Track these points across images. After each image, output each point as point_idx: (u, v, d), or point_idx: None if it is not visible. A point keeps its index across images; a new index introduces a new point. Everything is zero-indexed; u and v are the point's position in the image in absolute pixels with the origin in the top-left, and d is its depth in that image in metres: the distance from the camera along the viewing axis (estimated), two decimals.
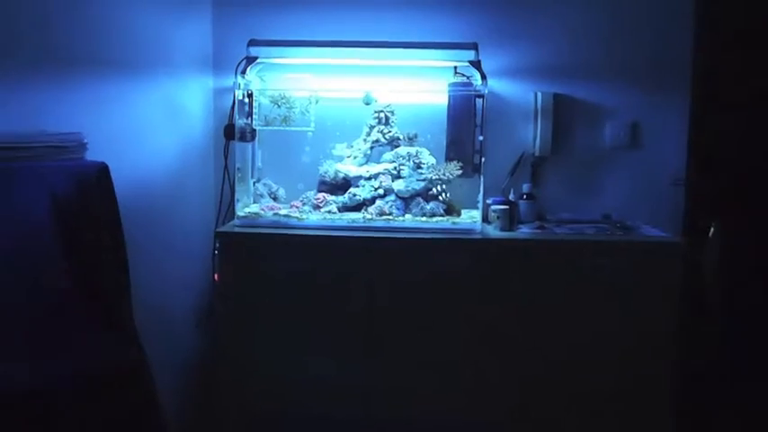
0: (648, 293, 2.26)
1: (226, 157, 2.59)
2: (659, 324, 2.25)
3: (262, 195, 2.56)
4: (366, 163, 2.55)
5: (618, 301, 2.27)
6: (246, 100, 2.41)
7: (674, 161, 2.61)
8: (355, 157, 2.55)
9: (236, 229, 2.30)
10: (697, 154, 2.51)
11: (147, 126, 2.23)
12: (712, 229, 2.39)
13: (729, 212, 2.42)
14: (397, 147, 2.55)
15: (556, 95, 2.64)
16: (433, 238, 2.25)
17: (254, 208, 2.46)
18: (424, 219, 2.37)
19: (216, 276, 2.29)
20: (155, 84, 2.27)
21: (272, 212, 2.39)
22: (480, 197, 2.40)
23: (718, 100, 2.45)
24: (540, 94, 2.65)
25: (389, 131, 2.53)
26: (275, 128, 2.41)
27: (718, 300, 2.41)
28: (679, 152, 2.58)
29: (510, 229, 2.39)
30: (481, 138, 2.38)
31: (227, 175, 2.60)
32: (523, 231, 2.40)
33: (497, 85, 2.66)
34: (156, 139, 2.29)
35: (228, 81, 2.54)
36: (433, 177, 2.42)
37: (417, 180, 2.45)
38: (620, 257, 2.28)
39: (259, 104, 2.44)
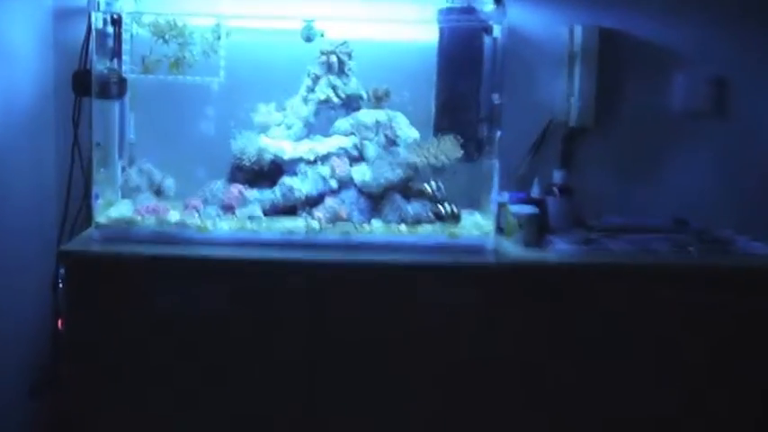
0: (760, 346, 2.22)
1: (75, 125, 2.49)
2: None
3: (137, 189, 2.40)
4: (308, 136, 2.44)
5: (714, 356, 2.23)
6: (111, 30, 2.31)
7: None
8: (290, 127, 2.44)
9: (94, 247, 2.18)
10: None
11: None
12: None
13: None
14: (356, 110, 2.44)
15: (602, 31, 2.59)
16: (416, 262, 2.16)
17: (123, 209, 2.34)
18: (402, 228, 2.25)
19: (60, 322, 2.24)
20: None
21: (153, 217, 2.25)
22: (494, 194, 2.29)
23: None
24: (578, 30, 2.59)
25: (345, 85, 2.42)
26: (159, 77, 2.33)
27: None
28: None
29: (538, 245, 2.29)
30: (497, 97, 2.27)
31: (77, 155, 2.51)
32: (560, 248, 2.29)
33: (513, 15, 2.52)
34: None
35: None
36: (418, 161, 2.28)
37: (391, 164, 2.31)
38: (713, 291, 2.20)
39: (132, 37, 2.36)
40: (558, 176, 2.51)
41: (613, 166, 2.70)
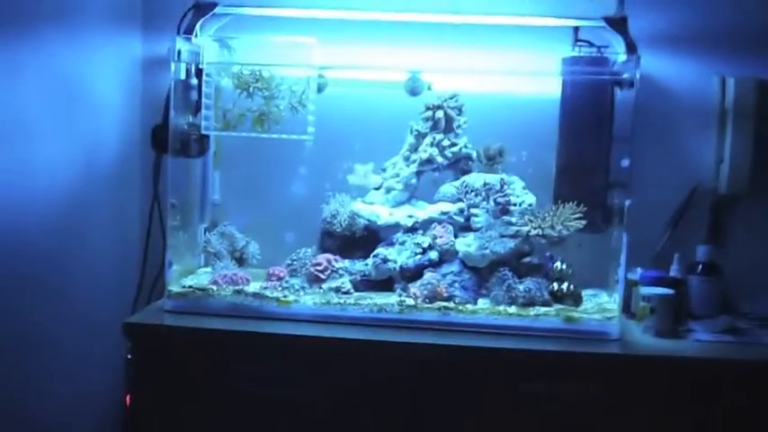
0: None
1: (155, 184, 2.54)
2: None
3: (217, 255, 2.44)
4: (408, 201, 2.44)
5: None
6: (193, 81, 2.34)
7: None
8: (389, 191, 2.45)
9: (165, 319, 2.20)
10: None
11: (22, 122, 2.17)
12: None
13: None
14: (465, 173, 2.44)
15: (760, 84, 2.50)
16: (526, 350, 2.10)
17: (200, 278, 2.38)
18: (511, 310, 2.21)
19: (128, 399, 2.21)
20: (39, 50, 2.22)
21: (232, 288, 2.27)
22: (621, 271, 2.21)
23: None
24: (731, 82, 2.51)
25: (453, 144, 2.42)
26: (243, 134, 2.34)
27: None
28: None
29: (676, 335, 2.22)
30: (627, 161, 2.22)
31: (155, 216, 2.56)
32: (701, 338, 2.23)
33: (651, 65, 2.49)
34: (36, 146, 2.23)
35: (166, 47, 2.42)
36: (533, 232, 2.27)
37: (502, 236, 2.29)
38: None
39: (215, 90, 2.38)
40: (703, 252, 2.44)
41: None
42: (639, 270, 2.34)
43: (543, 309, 2.21)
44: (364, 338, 2.10)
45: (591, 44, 2.38)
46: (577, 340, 2.13)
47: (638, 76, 2.19)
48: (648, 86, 2.48)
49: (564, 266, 2.30)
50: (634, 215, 2.23)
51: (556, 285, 2.27)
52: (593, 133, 2.35)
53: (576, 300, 2.26)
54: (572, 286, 2.27)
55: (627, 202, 2.18)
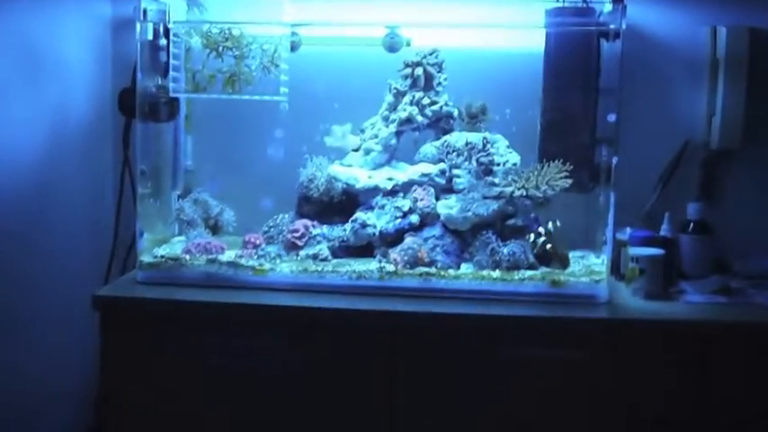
0: None
1: (125, 151, 2.55)
2: None
3: (191, 223, 2.43)
4: (388, 164, 2.44)
5: None
6: (161, 42, 2.32)
7: None
8: (368, 152, 2.44)
9: (137, 291, 2.19)
10: None
11: None
12: None
13: None
14: (447, 132, 2.43)
15: (754, 33, 2.48)
16: (511, 316, 2.10)
17: (174, 247, 2.39)
18: (495, 274, 2.20)
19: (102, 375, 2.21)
20: (1, 10, 2.21)
21: (206, 257, 2.25)
22: (609, 231, 2.20)
23: None
24: (722, 31, 2.51)
25: (434, 102, 2.40)
26: (213, 96, 2.35)
27: None
28: None
29: (666, 296, 2.22)
30: (613, 116, 2.20)
31: (126, 184, 2.59)
32: (692, 300, 2.23)
33: (637, 14, 2.48)
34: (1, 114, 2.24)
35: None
36: (517, 192, 2.25)
37: (485, 197, 2.28)
38: None
39: (184, 50, 2.38)
40: (694, 210, 2.44)
41: (764, 197, 2.57)
42: (628, 230, 2.34)
43: (528, 272, 2.20)
44: (343, 307, 2.10)
45: None
46: (564, 304, 2.13)
47: (623, 27, 2.17)
48: (636, 38, 2.48)
49: (551, 227, 2.27)
50: (622, 173, 2.23)
51: (540, 247, 2.26)
52: (578, 88, 2.33)
53: (563, 262, 2.25)
54: (559, 248, 2.25)
55: (614, 160, 2.18)
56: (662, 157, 2.55)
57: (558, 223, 2.28)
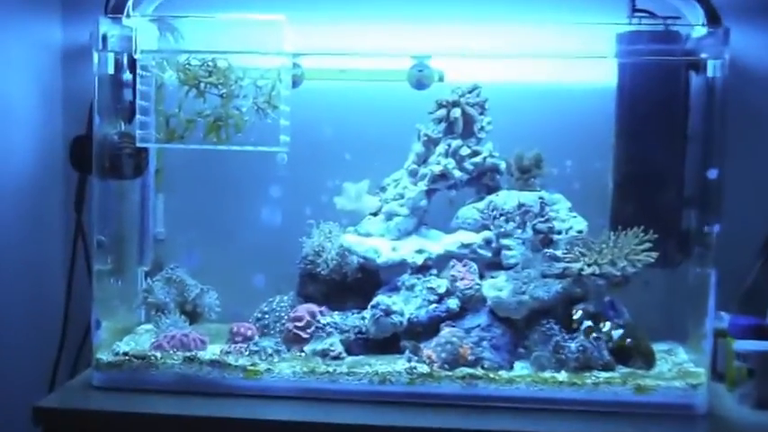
0: None
1: (79, 215, 2.41)
2: None
3: (162, 308, 2.29)
4: (416, 231, 2.29)
5: None
6: (126, 76, 2.19)
7: None
8: (391, 217, 2.31)
9: (92, 400, 2.01)
10: None
11: None
12: None
13: None
14: (492, 190, 2.30)
15: None
16: None
17: (140, 340, 2.24)
18: (561, 377, 2.03)
19: None
20: None
21: (182, 354, 2.11)
22: (709, 322, 2.02)
23: None
24: None
25: (475, 153, 2.27)
26: (193, 146, 2.21)
27: None
28: None
29: None
30: (714, 172, 2.04)
31: (80, 257, 2.43)
32: None
33: (739, 42, 2.23)
34: None
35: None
36: (587, 270, 2.09)
37: (545, 276, 2.14)
38: None
39: (155, 87, 2.24)
40: None
41: None
42: (726, 315, 2.13)
43: (604, 374, 1.99)
44: (362, 423, 1.89)
45: (652, 14, 2.17)
46: (652, 417, 1.91)
47: (726, 57, 1.99)
48: (737, 72, 2.23)
49: (626, 313, 2.09)
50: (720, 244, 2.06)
51: (618, 342, 2.04)
52: (661, 133, 2.15)
53: (648, 361, 2.04)
54: (642, 342, 2.05)
55: (716, 228, 2.01)
56: (764, 221, 2.32)
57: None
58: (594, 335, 2.11)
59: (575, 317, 2.11)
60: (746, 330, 2.09)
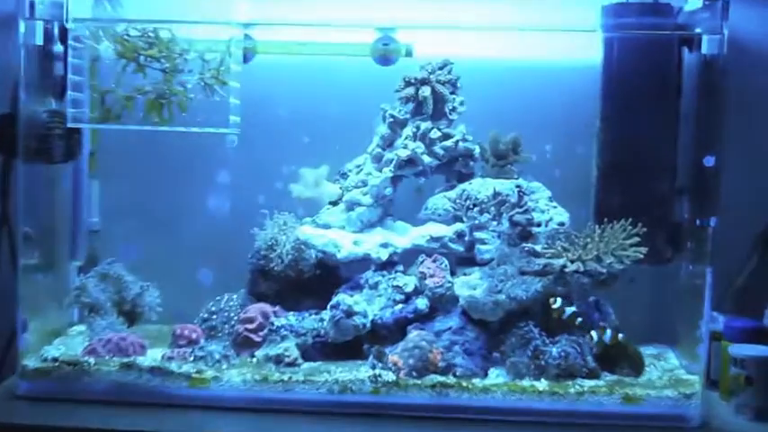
0: None
1: (4, 203, 2.33)
2: None
3: (96, 307, 2.18)
4: (381, 223, 2.22)
5: None
6: (56, 49, 2.10)
7: None
8: (352, 207, 2.25)
9: (16, 411, 1.93)
10: None
11: None
12: None
13: None
14: (465, 178, 2.24)
15: None
16: None
17: (72, 343, 2.16)
18: (541, 385, 1.95)
19: None
20: None
21: (119, 359, 2.03)
22: (704, 326, 1.96)
23: None
24: None
25: (446, 136, 2.19)
26: (132, 126, 2.11)
27: None
28: None
29: None
30: (711, 159, 1.96)
31: (4, 250, 2.38)
32: None
33: (738, 17, 2.10)
34: None
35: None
36: (570, 266, 2.01)
37: (523, 273, 2.06)
38: None
39: (89, 59, 2.15)
40: None
41: None
42: (720, 316, 2.06)
43: (588, 382, 1.91)
44: None
45: None
46: (641, 429, 1.84)
47: (725, 33, 1.90)
48: (735, 50, 2.08)
49: (612, 314, 2.02)
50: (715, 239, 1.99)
51: (604, 345, 1.96)
52: (651, 117, 2.05)
53: (636, 366, 1.96)
54: (630, 346, 1.97)
55: (712, 222, 1.93)
56: (758, 214, 2.27)
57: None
58: (580, 320, 2.01)
59: (554, 306, 2.03)
60: (742, 333, 2.02)
